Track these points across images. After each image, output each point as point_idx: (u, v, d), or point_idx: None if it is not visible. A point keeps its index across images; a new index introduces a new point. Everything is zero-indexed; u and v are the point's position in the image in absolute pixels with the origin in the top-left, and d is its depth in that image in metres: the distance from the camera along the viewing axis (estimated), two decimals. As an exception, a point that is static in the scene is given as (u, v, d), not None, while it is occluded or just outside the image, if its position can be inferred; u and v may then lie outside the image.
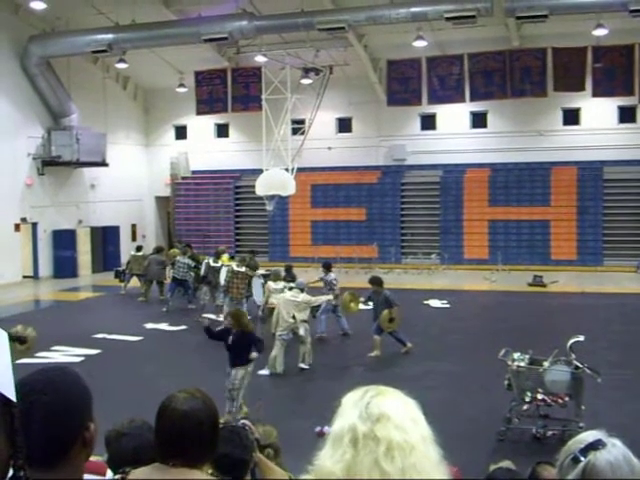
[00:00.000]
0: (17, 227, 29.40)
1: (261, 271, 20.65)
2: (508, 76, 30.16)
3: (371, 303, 16.79)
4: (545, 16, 23.76)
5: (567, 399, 10.51)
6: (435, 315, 21.18)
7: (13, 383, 1.45)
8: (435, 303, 22.86)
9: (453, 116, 32.73)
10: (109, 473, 3.11)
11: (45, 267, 30.85)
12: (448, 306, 22.54)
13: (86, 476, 2.16)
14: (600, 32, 26.31)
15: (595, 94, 29.56)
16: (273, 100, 29.17)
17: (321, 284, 18.94)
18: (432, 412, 2.09)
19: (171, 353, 17.28)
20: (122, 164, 34.55)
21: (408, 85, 31.60)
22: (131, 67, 32.12)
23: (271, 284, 17.80)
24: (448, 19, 24.35)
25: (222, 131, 36.83)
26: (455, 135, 32.71)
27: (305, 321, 15.41)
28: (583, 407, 10.46)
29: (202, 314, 20.67)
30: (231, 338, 11.80)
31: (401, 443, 1.93)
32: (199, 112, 34.31)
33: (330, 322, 18.41)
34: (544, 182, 31.55)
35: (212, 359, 16.59)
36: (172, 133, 37.78)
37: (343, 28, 25.75)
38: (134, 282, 25.50)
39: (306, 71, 30.70)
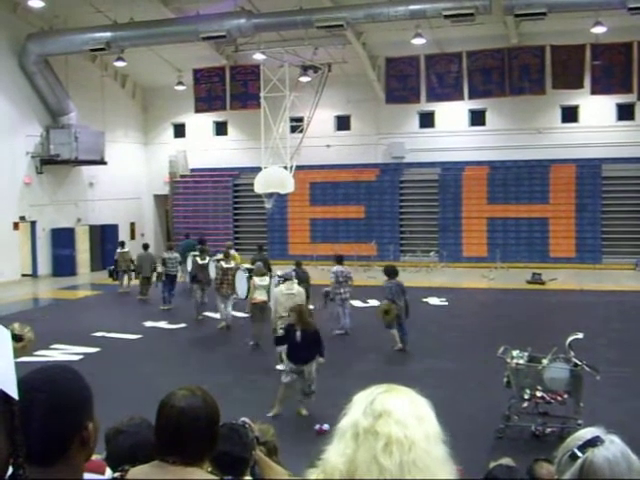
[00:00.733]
0: (16, 226, 29.39)
1: (246, 265, 20.66)
2: (507, 74, 30.17)
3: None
4: (544, 14, 23.75)
5: (566, 396, 10.52)
6: (434, 313, 21.18)
7: (15, 381, 1.45)
8: (434, 301, 22.87)
9: (452, 114, 32.73)
10: (109, 472, 3.11)
11: (44, 265, 30.84)
12: (447, 304, 22.55)
13: (86, 475, 2.16)
14: (599, 30, 26.32)
15: (594, 92, 29.59)
16: (272, 98, 29.16)
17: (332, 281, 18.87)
18: (431, 410, 2.09)
19: (170, 351, 17.28)
20: (121, 162, 34.54)
21: (407, 83, 31.61)
22: (129, 65, 32.11)
23: (256, 280, 17.49)
24: (446, 17, 24.35)
25: (221, 129, 36.82)
26: (454, 133, 32.71)
27: None
28: (582, 404, 10.47)
29: (201, 312, 20.70)
30: (299, 335, 11.72)
31: (400, 439, 1.93)
32: (198, 110, 34.32)
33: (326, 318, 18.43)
34: (543, 180, 31.55)
35: (211, 357, 16.61)
36: (171, 131, 37.76)
37: (341, 26, 25.74)
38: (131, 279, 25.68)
39: (305, 69, 30.69)
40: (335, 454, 2.02)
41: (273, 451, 4.40)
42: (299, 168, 30.44)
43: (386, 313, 16.21)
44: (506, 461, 5.25)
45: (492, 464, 5.19)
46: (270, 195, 28.52)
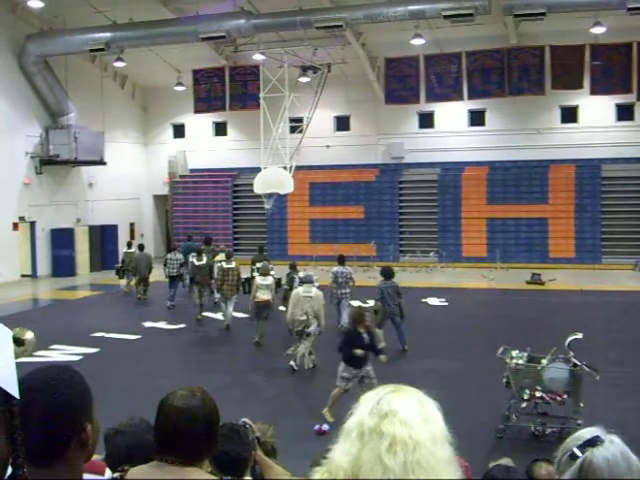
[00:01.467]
0: (15, 226, 29.38)
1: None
2: (506, 74, 30.18)
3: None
4: (543, 14, 23.76)
5: (565, 397, 10.52)
6: (433, 313, 21.18)
7: (16, 380, 1.46)
8: (433, 301, 22.87)
9: (451, 114, 32.74)
10: (108, 472, 3.11)
11: (43, 266, 30.84)
12: (446, 304, 22.55)
13: (85, 475, 2.17)
14: (598, 30, 26.34)
15: (593, 92, 29.59)
16: (271, 98, 29.15)
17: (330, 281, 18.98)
18: (439, 411, 2.09)
19: (170, 352, 17.27)
20: (120, 163, 34.54)
21: (406, 83, 31.62)
22: (129, 66, 32.11)
23: (259, 280, 17.63)
24: (446, 17, 24.35)
25: (220, 129, 36.82)
26: (453, 133, 32.73)
27: (318, 317, 15.06)
28: (581, 404, 10.47)
29: (200, 312, 20.70)
30: (366, 337, 11.69)
31: (405, 439, 1.93)
32: (197, 110, 34.33)
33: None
34: (542, 180, 31.55)
35: (210, 357, 16.62)
36: (170, 131, 37.77)
37: (341, 26, 25.75)
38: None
39: (304, 69, 30.69)
40: (340, 453, 2.02)
41: (271, 452, 4.39)
42: (298, 168, 30.43)
43: (375, 313, 16.33)
44: (505, 461, 5.26)
45: (491, 464, 5.19)
46: (270, 195, 28.50)
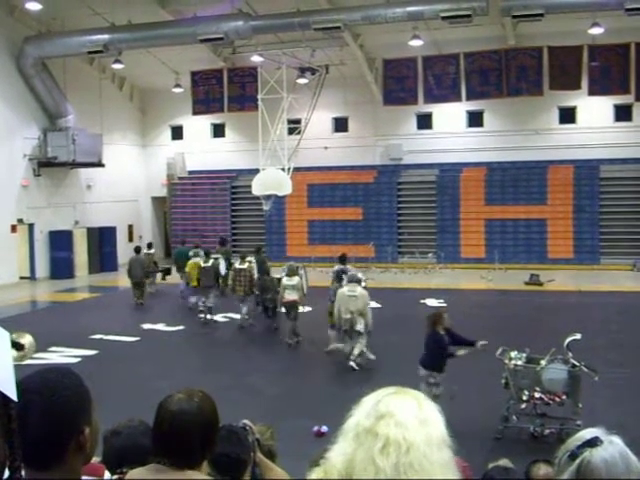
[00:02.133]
0: (14, 228, 29.37)
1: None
2: (504, 75, 30.20)
3: None
4: (541, 15, 23.78)
5: (564, 397, 10.51)
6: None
7: (14, 382, 1.45)
8: (432, 302, 22.83)
9: (449, 115, 32.76)
10: (107, 474, 3.11)
11: (42, 268, 30.82)
12: (445, 305, 22.52)
13: (84, 478, 2.16)
14: (596, 31, 26.34)
15: (591, 93, 29.62)
16: (269, 100, 29.15)
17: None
18: (439, 415, 2.08)
19: (169, 353, 17.25)
20: (118, 165, 34.52)
21: (404, 84, 31.64)
22: (127, 68, 32.12)
23: (285, 280, 17.90)
24: (444, 18, 24.37)
25: (218, 131, 36.83)
26: (451, 134, 32.73)
27: (363, 315, 15.18)
28: (580, 405, 10.47)
29: (207, 315, 20.64)
30: (447, 338, 11.42)
31: (398, 440, 1.92)
32: (195, 112, 34.33)
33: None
34: (540, 181, 31.57)
35: (209, 359, 16.62)
36: (168, 133, 37.77)
37: (339, 28, 25.76)
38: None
39: (302, 71, 30.68)
40: (336, 453, 2.02)
41: (268, 455, 4.38)
42: (297, 170, 30.43)
43: (330, 315, 16.39)
44: (503, 462, 5.25)
45: (490, 465, 5.19)
46: (268, 197, 28.49)
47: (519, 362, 10.82)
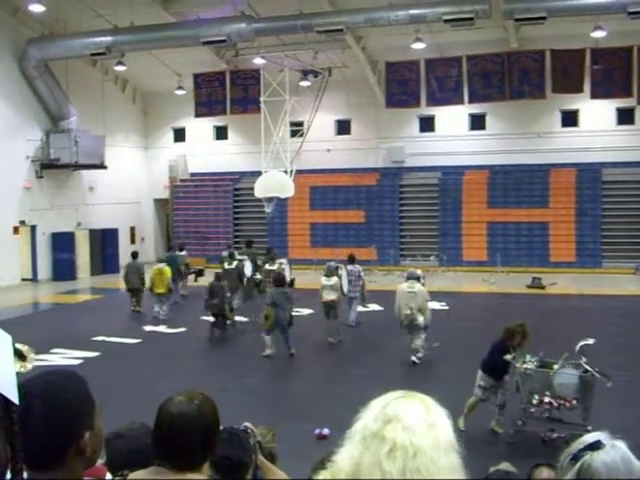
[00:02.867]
0: (16, 230, 29.39)
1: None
2: (507, 78, 30.20)
3: None
4: (543, 18, 23.78)
5: (575, 402, 10.46)
6: (434, 317, 21.08)
7: (16, 385, 1.45)
8: (434, 305, 22.76)
9: (452, 118, 32.75)
10: (109, 476, 3.10)
11: (44, 270, 30.84)
12: (447, 308, 22.52)
13: (86, 479, 2.16)
14: (598, 34, 26.36)
15: (594, 96, 29.60)
16: (272, 102, 29.16)
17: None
18: (448, 419, 2.08)
19: (171, 355, 17.24)
20: (121, 167, 34.56)
21: (407, 87, 31.64)
22: (130, 70, 32.14)
23: (323, 280, 18.15)
24: (446, 21, 24.38)
25: (221, 133, 36.84)
26: (454, 137, 32.73)
27: (422, 311, 15.70)
28: (588, 411, 10.41)
29: (233, 317, 20.58)
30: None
31: (405, 445, 1.92)
32: (198, 114, 34.36)
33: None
34: (543, 184, 31.56)
35: (212, 361, 16.60)
36: (171, 135, 37.79)
37: (341, 30, 25.77)
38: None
39: (305, 73, 30.69)
40: (343, 456, 2.03)
41: (269, 457, 4.37)
42: (299, 172, 30.44)
43: (266, 318, 16.47)
44: (505, 466, 5.23)
45: (491, 469, 5.17)
46: (270, 199, 28.51)
47: (530, 366, 10.78)
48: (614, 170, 30.82)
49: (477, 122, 32.97)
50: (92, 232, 32.82)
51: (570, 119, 31.72)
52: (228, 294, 18.99)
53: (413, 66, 31.34)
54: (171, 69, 33.94)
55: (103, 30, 27.74)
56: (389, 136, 33.83)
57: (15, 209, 29.23)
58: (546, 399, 10.49)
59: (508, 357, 11.00)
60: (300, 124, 31.75)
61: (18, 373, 1.46)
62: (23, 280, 29.84)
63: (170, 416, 2.91)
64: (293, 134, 31.22)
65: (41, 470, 1.93)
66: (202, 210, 36.04)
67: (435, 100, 31.48)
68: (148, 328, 20.00)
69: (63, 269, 30.91)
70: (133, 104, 37.12)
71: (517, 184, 31.85)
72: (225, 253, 23.54)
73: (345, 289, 19.18)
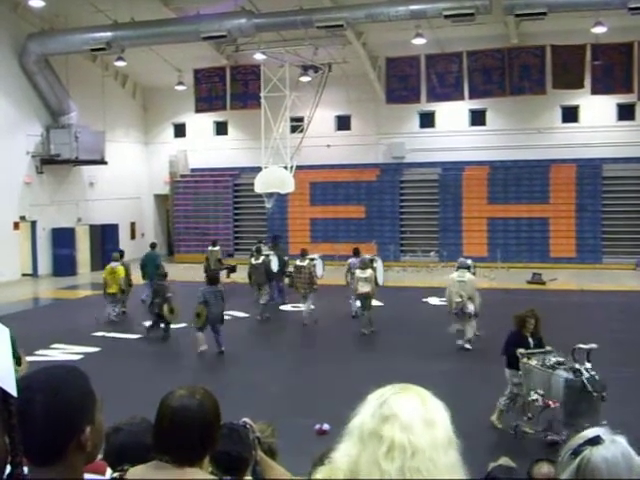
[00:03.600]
0: (16, 225, 29.40)
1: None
2: (507, 74, 30.17)
3: None
4: (544, 13, 23.75)
5: (557, 405, 10.33)
6: (434, 313, 21.14)
7: (14, 378, 1.45)
8: (434, 301, 22.81)
9: (452, 114, 32.73)
10: (109, 472, 3.11)
11: (44, 265, 30.85)
12: (447, 304, 22.51)
13: (86, 475, 2.16)
14: (599, 30, 26.32)
15: (594, 92, 29.58)
16: (272, 98, 29.15)
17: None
18: (446, 414, 2.07)
19: (171, 350, 17.26)
20: (121, 162, 34.55)
21: (407, 83, 31.61)
22: (130, 65, 32.12)
23: (358, 272, 18.41)
24: (447, 17, 24.36)
25: (221, 129, 36.83)
26: (454, 133, 32.72)
27: (472, 299, 16.45)
28: (566, 417, 10.21)
29: (262, 313, 20.55)
30: (532, 341, 11.19)
31: (403, 444, 1.89)
32: (198, 110, 34.33)
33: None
34: (543, 180, 31.55)
35: (212, 356, 16.59)
36: (171, 131, 37.78)
37: (342, 26, 25.74)
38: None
39: (305, 69, 30.70)
40: (340, 454, 2.01)
41: (269, 452, 4.38)
42: (299, 168, 30.45)
43: (198, 316, 16.48)
44: (504, 461, 5.24)
45: (490, 464, 5.18)
46: (270, 195, 28.52)
47: (533, 362, 10.76)
48: (614, 166, 30.81)
49: (477, 118, 32.95)
50: (92, 228, 32.82)
51: (570, 115, 31.71)
52: (169, 294, 18.44)
53: (413, 62, 31.31)
54: (171, 64, 33.92)
55: (103, 25, 27.73)
56: (389, 132, 33.81)
57: (15, 204, 29.22)
58: (535, 396, 10.46)
59: (521, 351, 10.93)
60: (300, 120, 31.75)
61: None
62: (23, 275, 29.86)
63: (171, 409, 2.91)
64: (293, 130, 31.22)
65: (41, 465, 1.93)
66: (202, 205, 36.03)
67: (435, 96, 31.45)
68: (148, 324, 19.93)
69: (63, 264, 30.91)
70: (133, 99, 37.10)
71: (517, 180, 31.84)
72: (259, 247, 23.50)
73: (380, 281, 19.64)
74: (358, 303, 18.88)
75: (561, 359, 10.55)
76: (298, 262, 19.94)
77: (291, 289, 21.49)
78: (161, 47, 30.52)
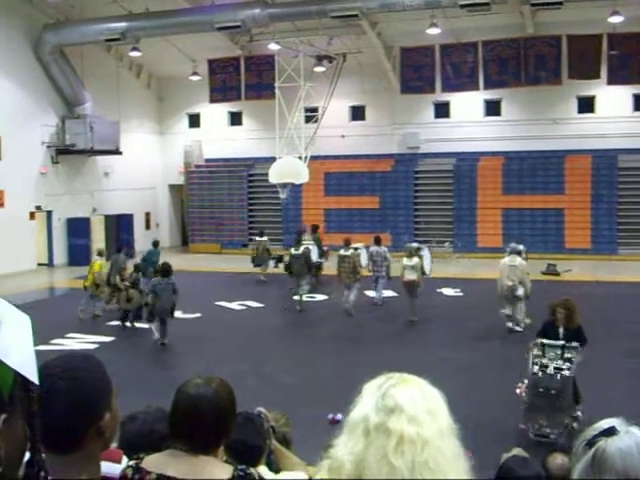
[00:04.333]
0: (32, 215, 29.55)
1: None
2: (522, 64, 30.02)
3: None
4: (560, 3, 23.62)
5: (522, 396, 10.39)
6: (448, 303, 21.16)
7: (36, 366, 1.47)
8: (448, 291, 22.83)
9: (467, 104, 32.61)
10: (125, 460, 3.14)
11: (59, 255, 31.02)
12: (461, 294, 22.52)
13: (103, 463, 2.18)
14: (616, 19, 26.14)
15: (610, 82, 29.38)
16: (286, 88, 29.14)
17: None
18: (445, 400, 2.07)
19: (187, 340, 17.32)
20: (136, 152, 34.64)
21: (422, 73, 31.51)
22: (145, 55, 32.16)
23: (405, 260, 18.59)
24: (462, 6, 24.23)
25: (235, 119, 36.84)
26: (469, 123, 32.61)
27: (523, 284, 17.08)
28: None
29: (300, 305, 20.56)
30: (562, 331, 10.88)
31: (413, 437, 1.88)
32: (212, 100, 34.37)
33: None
34: (558, 170, 31.41)
35: (227, 346, 16.65)
36: (186, 121, 37.83)
37: (356, 15, 25.69)
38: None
39: (319, 59, 30.65)
40: (343, 451, 1.96)
41: (284, 442, 4.40)
42: (314, 158, 30.44)
43: (146, 305, 16.94)
44: (518, 451, 5.24)
45: (504, 455, 5.18)
46: (285, 185, 28.53)
47: (535, 352, 10.75)
48: (630, 157, 30.61)
49: (492, 108, 32.82)
50: (107, 218, 32.95)
51: (586, 105, 31.52)
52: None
53: (428, 52, 31.20)
54: (186, 55, 33.93)
55: (118, 16, 27.78)
56: (404, 122, 33.73)
57: (31, 195, 29.37)
58: (519, 386, 10.47)
59: (543, 341, 10.77)
60: (314, 110, 31.72)
61: (38, 352, 1.49)
62: (39, 265, 30.03)
63: (187, 397, 2.94)
64: (307, 120, 31.19)
65: (61, 452, 1.95)
66: (216, 196, 36.09)
67: (450, 86, 31.35)
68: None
69: (78, 254, 31.03)
70: (148, 90, 37.16)
71: (532, 170, 31.71)
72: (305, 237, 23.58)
73: (427, 269, 19.94)
74: (373, 293, 19.07)
75: (568, 355, 10.48)
76: (342, 252, 19.86)
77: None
78: (176, 37, 30.53)
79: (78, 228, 31.27)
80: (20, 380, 1.43)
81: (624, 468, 2.15)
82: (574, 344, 10.44)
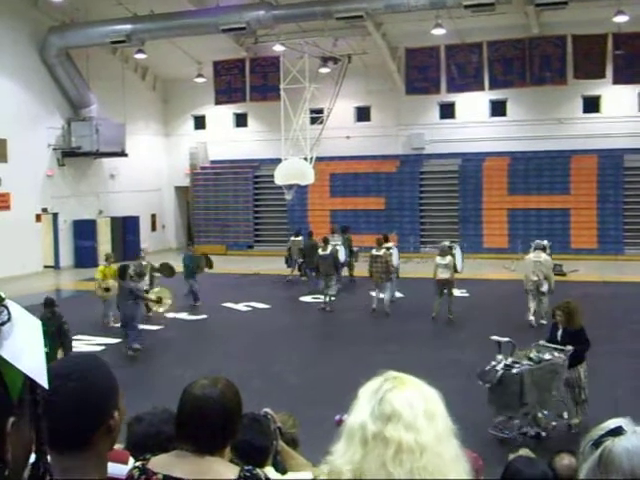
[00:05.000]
0: (38, 218, 29.62)
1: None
2: (527, 64, 29.99)
3: None
4: (565, 3, 23.60)
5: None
6: (455, 304, 21.11)
7: (46, 370, 1.48)
8: (454, 292, 22.78)
9: (472, 104, 32.58)
10: (131, 461, 3.15)
11: (66, 257, 31.09)
12: (467, 295, 22.47)
13: (109, 464, 2.19)
14: (621, 19, 26.09)
15: (616, 81, 29.32)
16: (292, 89, 29.15)
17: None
18: (449, 401, 2.07)
19: (193, 341, 17.34)
20: (141, 154, 34.68)
21: (427, 73, 31.50)
22: (150, 58, 32.19)
23: (438, 259, 18.79)
24: (467, 7, 24.22)
25: (241, 121, 36.87)
26: (474, 124, 32.57)
27: (547, 279, 17.49)
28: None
29: (328, 305, 20.56)
30: (560, 333, 10.80)
31: (411, 445, 1.86)
32: (218, 102, 34.39)
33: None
34: (564, 170, 31.36)
35: (233, 347, 16.66)
36: (191, 123, 37.87)
37: (361, 17, 25.69)
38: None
39: (324, 60, 30.66)
40: (341, 459, 1.95)
41: (290, 443, 4.40)
42: (319, 159, 30.45)
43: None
44: (524, 452, 5.25)
45: (510, 455, 5.18)
46: (290, 186, 28.54)
47: (534, 352, 10.76)
48: (636, 156, 30.54)
49: (498, 108, 32.79)
50: (113, 220, 33.02)
51: (592, 105, 31.47)
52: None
53: (433, 52, 31.18)
54: (191, 57, 33.98)
55: (123, 18, 27.84)
56: (409, 123, 33.71)
57: (37, 197, 29.44)
58: None
59: (540, 342, 10.88)
60: (320, 111, 31.74)
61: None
62: (45, 267, 30.09)
63: (193, 397, 2.95)
64: (313, 121, 31.21)
65: (68, 454, 1.96)
66: (222, 197, 36.12)
67: (455, 86, 31.33)
68: (169, 315, 20.03)
69: (85, 256, 31.10)
70: (153, 92, 37.21)
71: (538, 171, 31.66)
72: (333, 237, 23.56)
73: (459, 267, 20.03)
74: (374, 293, 19.11)
75: (545, 357, 10.46)
76: (374, 251, 19.92)
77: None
78: (181, 39, 30.58)
79: (84, 230, 31.34)
80: (28, 383, 1.44)
81: (631, 468, 2.14)
82: (568, 347, 10.43)
